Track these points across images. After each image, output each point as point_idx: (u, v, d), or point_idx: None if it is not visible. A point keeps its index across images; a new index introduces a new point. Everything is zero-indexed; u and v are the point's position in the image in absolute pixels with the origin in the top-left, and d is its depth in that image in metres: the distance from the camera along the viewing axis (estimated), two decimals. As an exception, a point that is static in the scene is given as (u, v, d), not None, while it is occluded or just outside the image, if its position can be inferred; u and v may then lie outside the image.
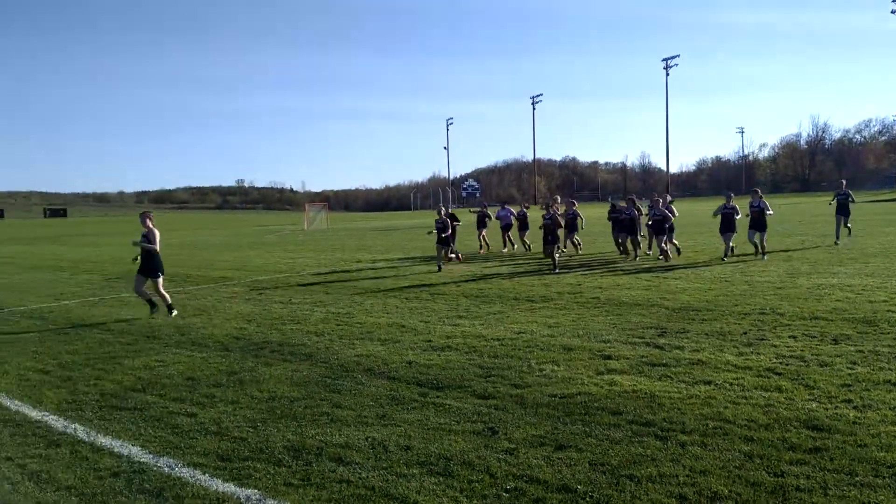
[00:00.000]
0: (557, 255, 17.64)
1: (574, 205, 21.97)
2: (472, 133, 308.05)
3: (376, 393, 6.89)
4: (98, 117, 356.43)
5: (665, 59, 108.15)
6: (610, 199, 25.33)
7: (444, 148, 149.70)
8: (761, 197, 18.16)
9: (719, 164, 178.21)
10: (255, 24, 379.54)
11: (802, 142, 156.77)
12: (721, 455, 4.97)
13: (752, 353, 7.91)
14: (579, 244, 21.98)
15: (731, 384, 6.70)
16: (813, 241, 22.09)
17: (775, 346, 8.19)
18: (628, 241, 19.79)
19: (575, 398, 6.42)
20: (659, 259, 18.44)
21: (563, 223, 18.33)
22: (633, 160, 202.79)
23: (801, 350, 7.92)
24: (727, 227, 18.06)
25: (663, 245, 18.26)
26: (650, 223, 18.56)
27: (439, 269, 18.36)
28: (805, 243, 21.69)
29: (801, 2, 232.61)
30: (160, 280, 12.09)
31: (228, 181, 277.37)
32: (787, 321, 9.58)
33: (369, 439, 5.58)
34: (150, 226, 11.98)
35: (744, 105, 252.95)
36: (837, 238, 21.05)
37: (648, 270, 16.14)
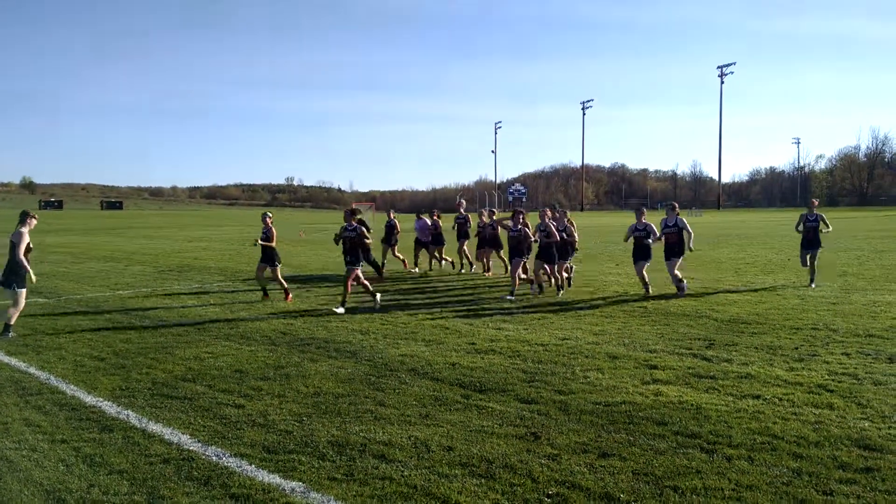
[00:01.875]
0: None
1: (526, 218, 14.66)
2: (520, 137, 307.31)
3: (420, 393, 6.94)
4: (151, 113, 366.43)
5: (720, 67, 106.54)
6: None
7: (492, 151, 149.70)
8: (678, 213, 13.93)
9: (773, 175, 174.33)
10: (312, 23, 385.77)
11: (861, 154, 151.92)
12: (768, 471, 4.88)
13: (803, 368, 7.73)
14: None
15: (780, 399, 6.56)
16: (868, 257, 21.45)
17: (827, 362, 7.99)
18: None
19: (619, 407, 6.37)
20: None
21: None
22: (683, 169, 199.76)
23: (855, 367, 7.71)
24: (640, 254, 13.83)
25: (547, 273, 14.06)
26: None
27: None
28: (861, 259, 21.07)
29: (864, 10, 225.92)
30: None
31: (278, 179, 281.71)
32: (840, 338, 9.33)
33: (412, 438, 5.63)
34: None
35: (801, 115, 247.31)
36: (811, 280, 14.83)
37: (697, 283, 15.84)
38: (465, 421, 6.05)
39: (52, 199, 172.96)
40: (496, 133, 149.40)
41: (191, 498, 4.57)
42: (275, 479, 4.87)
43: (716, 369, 7.71)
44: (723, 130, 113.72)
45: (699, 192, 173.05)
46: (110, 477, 4.95)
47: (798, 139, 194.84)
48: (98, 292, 15.20)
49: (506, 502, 4.45)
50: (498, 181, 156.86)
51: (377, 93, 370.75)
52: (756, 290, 14.19)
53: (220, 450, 5.44)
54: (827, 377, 7.33)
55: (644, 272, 13.83)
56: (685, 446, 5.37)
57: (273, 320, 11.32)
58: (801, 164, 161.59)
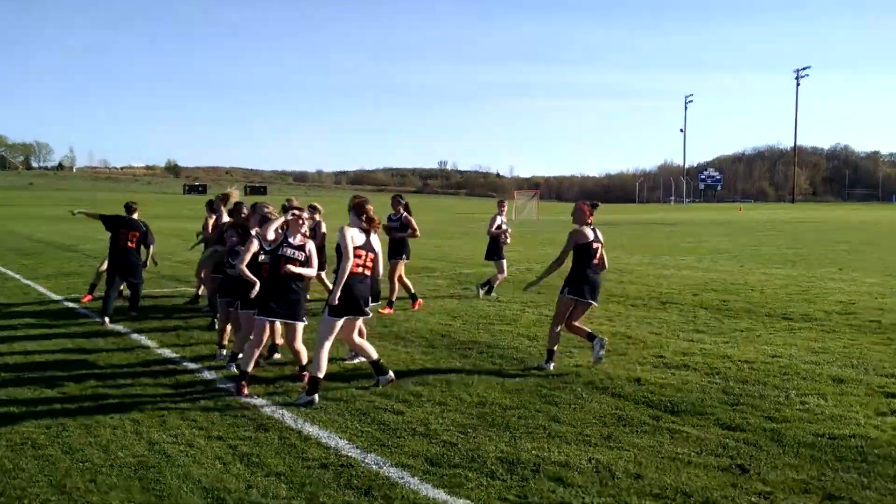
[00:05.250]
0: None
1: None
2: (715, 113, 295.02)
3: (599, 410, 6.92)
4: (289, 91, 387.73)
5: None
6: None
7: (681, 130, 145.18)
8: (403, 208, 12.12)
9: None
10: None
11: None
12: None
13: None
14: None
15: None
16: None
17: None
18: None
19: (848, 441, 6.03)
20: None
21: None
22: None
23: None
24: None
25: None
26: None
27: None
28: None
29: None
30: None
31: (430, 163, 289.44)
32: None
33: (593, 461, 5.63)
34: None
35: None
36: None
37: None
38: (654, 446, 5.98)
39: (197, 183, 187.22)
40: (686, 108, 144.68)
41: (351, 508, 4.86)
42: (440, 494, 5.05)
43: (976, 403, 7.09)
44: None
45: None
46: (268, 479, 5.35)
47: None
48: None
49: (708, 543, 4.36)
50: (686, 166, 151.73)
51: (537, 63, 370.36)
52: None
53: (380, 458, 5.72)
54: None
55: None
56: (936, 495, 5.00)
57: (429, 320, 11.68)
58: None
